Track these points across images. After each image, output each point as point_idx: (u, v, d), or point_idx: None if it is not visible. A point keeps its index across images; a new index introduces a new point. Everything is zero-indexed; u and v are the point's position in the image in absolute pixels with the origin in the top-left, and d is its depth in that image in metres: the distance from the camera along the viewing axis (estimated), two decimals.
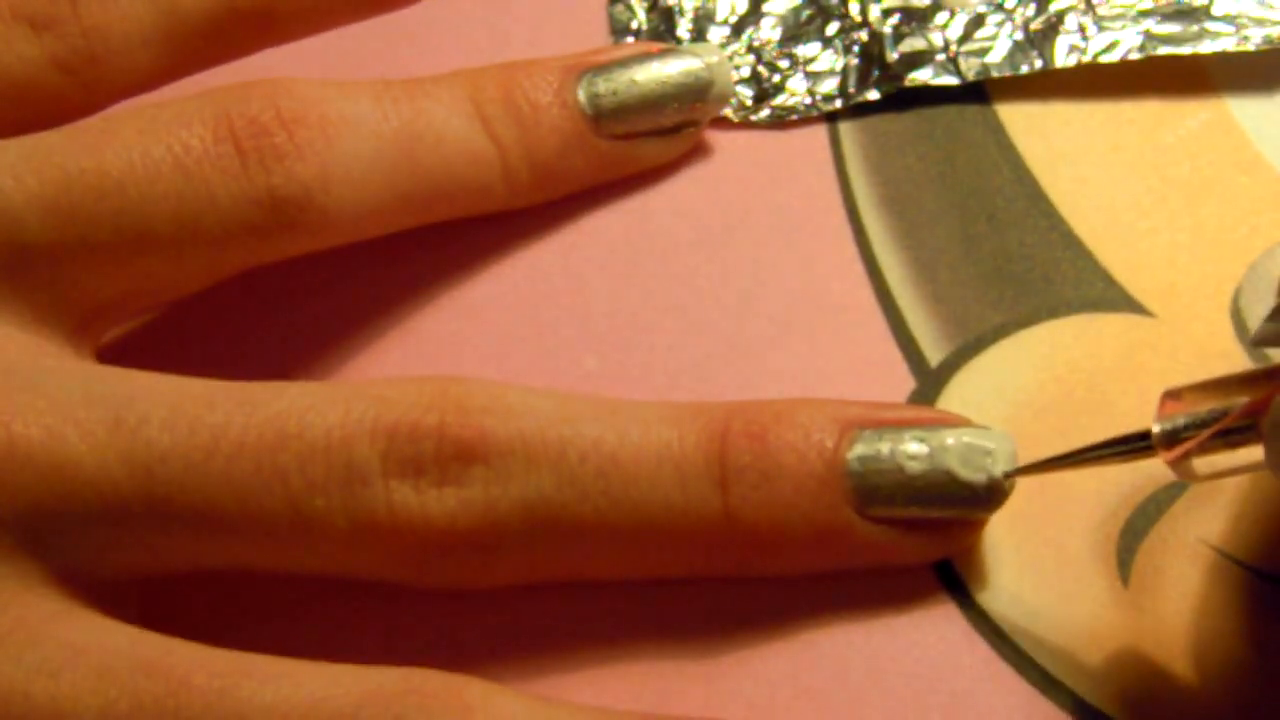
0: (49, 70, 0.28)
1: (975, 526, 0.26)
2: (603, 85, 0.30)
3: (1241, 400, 0.24)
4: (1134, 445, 0.25)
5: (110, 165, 0.26)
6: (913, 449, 0.26)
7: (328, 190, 0.27)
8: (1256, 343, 0.28)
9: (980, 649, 0.26)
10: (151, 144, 0.26)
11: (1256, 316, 0.29)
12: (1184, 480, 0.25)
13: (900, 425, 0.26)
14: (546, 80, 0.30)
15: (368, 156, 0.27)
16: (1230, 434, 0.24)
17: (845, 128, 0.31)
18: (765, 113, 0.32)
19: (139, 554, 0.25)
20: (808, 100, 0.32)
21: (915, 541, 0.26)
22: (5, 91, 0.28)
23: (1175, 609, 0.26)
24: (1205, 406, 0.24)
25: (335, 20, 0.30)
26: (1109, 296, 0.29)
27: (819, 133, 0.31)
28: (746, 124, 0.32)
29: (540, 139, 0.29)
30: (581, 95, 0.30)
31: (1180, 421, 0.24)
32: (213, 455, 0.24)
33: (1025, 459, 0.26)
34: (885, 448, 0.26)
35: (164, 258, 0.27)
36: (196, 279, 0.28)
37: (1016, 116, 0.31)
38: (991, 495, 0.26)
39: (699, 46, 0.31)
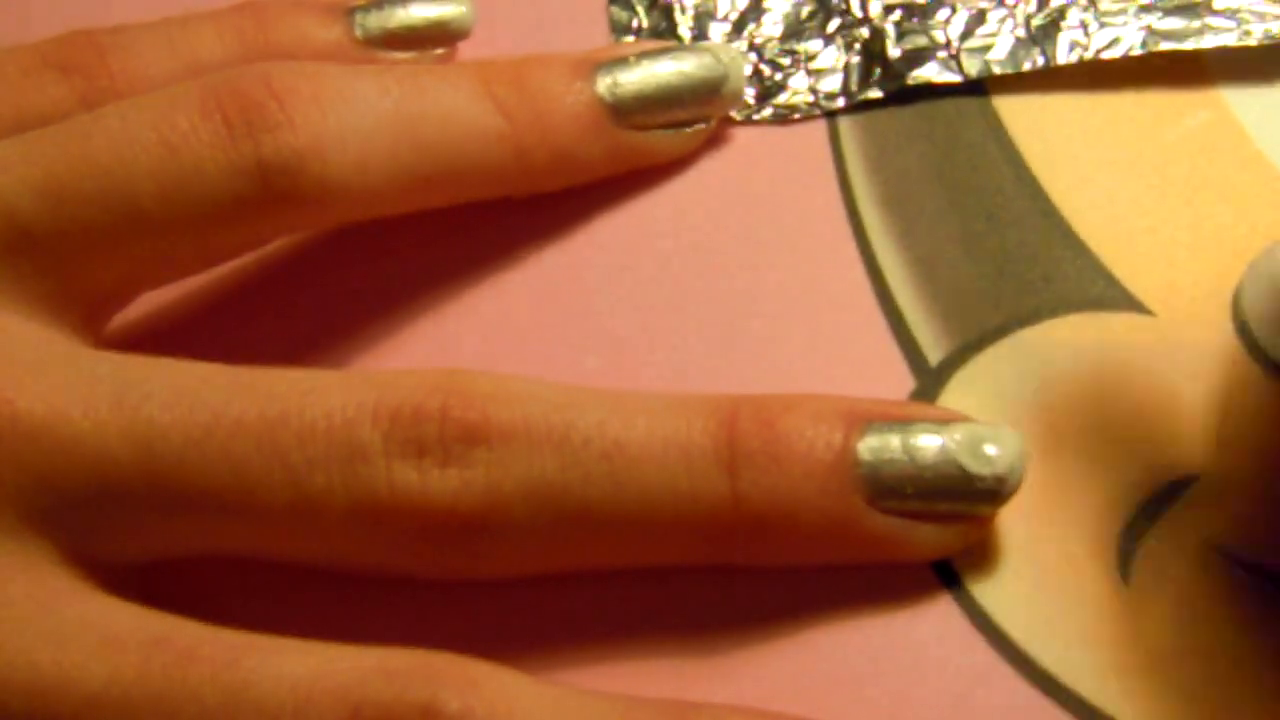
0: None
1: (983, 523, 0.26)
2: (620, 75, 0.30)
3: None
4: None
5: (97, 148, 0.26)
6: (923, 441, 0.26)
7: (324, 159, 0.27)
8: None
9: (981, 649, 0.26)
10: (138, 125, 0.26)
11: (1257, 316, 0.29)
12: None
13: (909, 420, 0.26)
14: (560, 70, 0.30)
15: (366, 128, 0.27)
16: None
17: (845, 126, 0.31)
18: (768, 111, 0.32)
19: (141, 536, 0.25)
20: (810, 99, 0.32)
21: (923, 537, 0.26)
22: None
23: (1176, 609, 0.26)
24: None
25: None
26: (1109, 296, 0.29)
27: (819, 131, 0.31)
28: (748, 122, 0.32)
29: (556, 123, 0.29)
30: (599, 85, 0.30)
31: None
32: (212, 433, 0.25)
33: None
34: (895, 439, 0.26)
35: (156, 237, 0.27)
36: (195, 259, 0.28)
37: (1016, 115, 0.31)
38: (1001, 490, 0.26)
39: (714, 45, 0.31)
